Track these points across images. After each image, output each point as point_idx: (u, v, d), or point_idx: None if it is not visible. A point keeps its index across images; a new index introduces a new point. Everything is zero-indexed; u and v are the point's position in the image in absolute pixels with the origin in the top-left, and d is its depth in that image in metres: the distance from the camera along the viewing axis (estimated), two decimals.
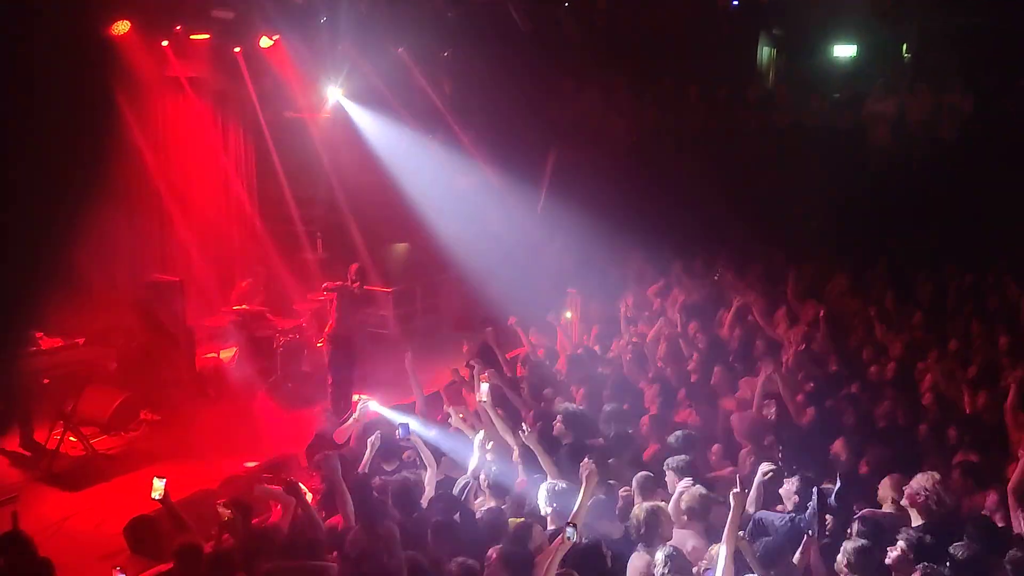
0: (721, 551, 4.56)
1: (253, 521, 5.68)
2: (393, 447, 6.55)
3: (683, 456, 5.77)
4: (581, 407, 6.95)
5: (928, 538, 4.77)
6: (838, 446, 6.18)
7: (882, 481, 5.68)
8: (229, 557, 4.96)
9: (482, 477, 5.77)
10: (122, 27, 9.90)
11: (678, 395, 7.67)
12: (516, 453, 6.25)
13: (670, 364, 8.46)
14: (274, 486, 6.09)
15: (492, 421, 6.47)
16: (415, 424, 6.68)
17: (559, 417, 6.61)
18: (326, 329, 10.14)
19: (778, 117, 14.41)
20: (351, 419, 7.19)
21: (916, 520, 5.14)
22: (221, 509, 5.45)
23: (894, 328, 8.99)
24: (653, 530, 4.87)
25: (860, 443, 6.25)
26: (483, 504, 5.71)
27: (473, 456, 5.98)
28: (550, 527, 5.22)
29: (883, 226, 12.30)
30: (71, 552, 6.64)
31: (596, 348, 9.60)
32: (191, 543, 5.07)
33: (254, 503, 5.87)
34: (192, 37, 11.10)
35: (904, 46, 15.48)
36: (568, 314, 10.70)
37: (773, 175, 13.34)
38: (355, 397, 7.25)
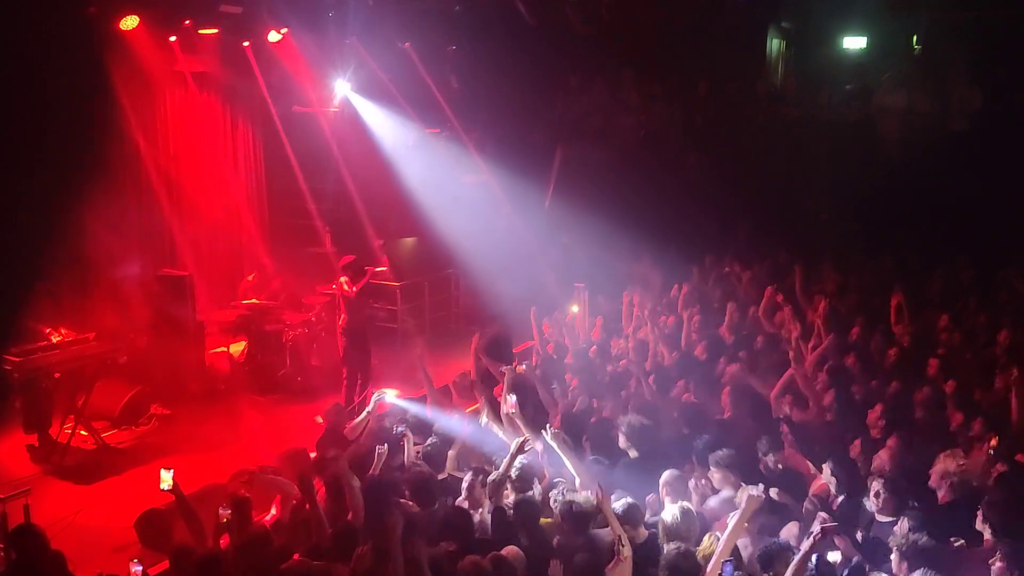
0: (719, 546, 4.58)
1: (255, 518, 5.70)
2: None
3: (728, 451, 5.69)
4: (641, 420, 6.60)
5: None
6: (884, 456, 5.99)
7: (879, 453, 5.71)
8: (220, 560, 4.96)
9: (513, 472, 5.74)
10: (131, 22, 9.94)
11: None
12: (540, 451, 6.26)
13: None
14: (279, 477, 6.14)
15: (519, 426, 6.45)
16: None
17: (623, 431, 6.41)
18: (338, 324, 10.17)
19: (787, 111, 14.39)
20: (364, 413, 7.20)
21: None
22: (221, 511, 5.45)
23: (904, 324, 8.97)
24: (689, 531, 4.85)
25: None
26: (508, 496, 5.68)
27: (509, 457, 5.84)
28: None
29: (892, 219, 12.28)
30: (82, 545, 6.70)
31: (601, 340, 9.65)
32: (186, 546, 5.09)
33: (255, 496, 5.88)
34: (200, 32, 11.12)
35: (915, 38, 15.39)
36: (575, 308, 10.71)
37: (782, 169, 13.32)
38: (375, 395, 7.26)
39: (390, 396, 7.58)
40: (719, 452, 5.68)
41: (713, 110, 14.58)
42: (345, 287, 9.98)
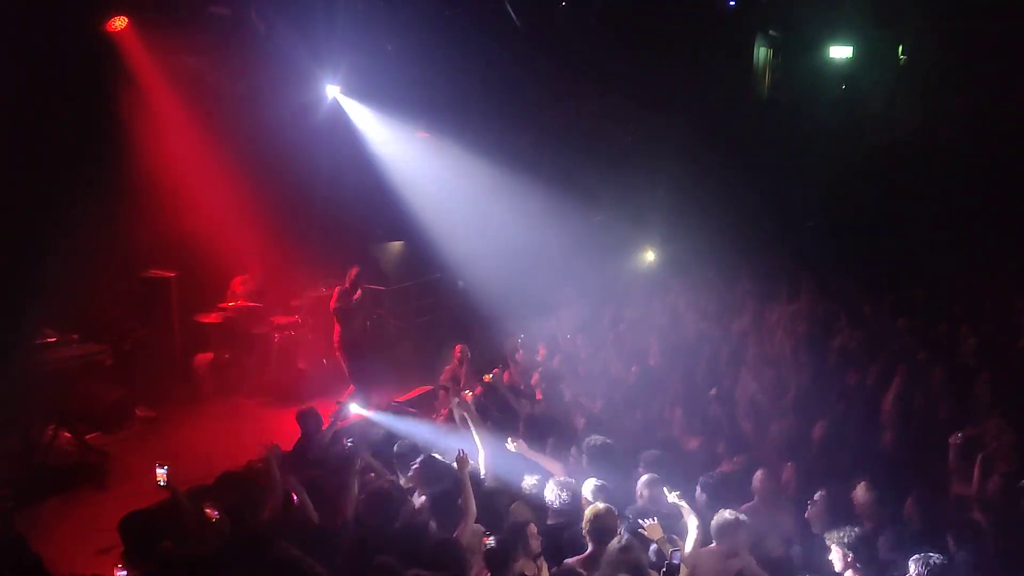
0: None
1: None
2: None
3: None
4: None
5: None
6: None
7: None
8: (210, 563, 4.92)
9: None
10: (119, 23, 9.91)
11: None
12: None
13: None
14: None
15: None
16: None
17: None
18: (334, 339, 10.13)
19: (774, 118, 14.47)
20: (330, 425, 7.04)
21: None
22: (209, 511, 5.40)
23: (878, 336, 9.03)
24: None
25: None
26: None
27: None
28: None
29: (877, 226, 12.37)
30: (66, 548, 6.65)
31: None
32: (167, 553, 5.06)
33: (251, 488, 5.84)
34: (189, 32, 11.08)
35: (900, 47, 15.53)
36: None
37: (769, 175, 13.40)
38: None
39: (356, 407, 7.34)
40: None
41: (700, 117, 14.63)
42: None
